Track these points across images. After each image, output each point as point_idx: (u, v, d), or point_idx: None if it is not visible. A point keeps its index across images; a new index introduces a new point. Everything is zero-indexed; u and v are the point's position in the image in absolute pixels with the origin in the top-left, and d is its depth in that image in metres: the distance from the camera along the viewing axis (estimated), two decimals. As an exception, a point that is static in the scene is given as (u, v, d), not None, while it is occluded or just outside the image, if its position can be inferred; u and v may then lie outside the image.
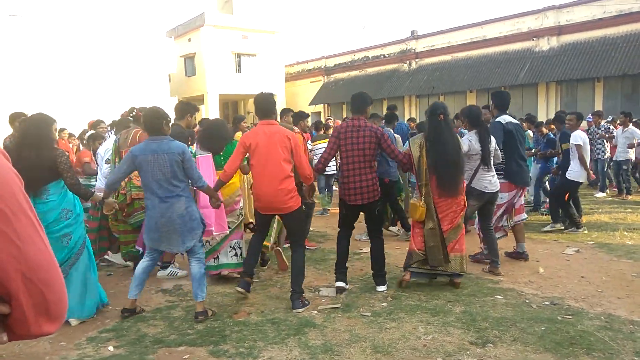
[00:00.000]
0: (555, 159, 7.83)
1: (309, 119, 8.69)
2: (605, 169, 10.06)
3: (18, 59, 18.41)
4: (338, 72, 27.80)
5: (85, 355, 3.38)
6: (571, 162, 6.64)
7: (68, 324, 3.84)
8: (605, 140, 9.92)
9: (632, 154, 9.69)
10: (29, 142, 3.69)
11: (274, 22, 27.20)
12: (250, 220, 6.00)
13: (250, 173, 4.49)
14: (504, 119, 5.27)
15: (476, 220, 5.51)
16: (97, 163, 6.16)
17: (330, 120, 12.07)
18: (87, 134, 7.27)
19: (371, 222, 4.64)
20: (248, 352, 3.32)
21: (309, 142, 8.20)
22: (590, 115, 10.70)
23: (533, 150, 8.17)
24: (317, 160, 4.90)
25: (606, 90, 16.73)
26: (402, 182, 6.88)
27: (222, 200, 4.31)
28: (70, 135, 10.17)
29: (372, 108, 4.90)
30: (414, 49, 23.47)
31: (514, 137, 5.17)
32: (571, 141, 6.64)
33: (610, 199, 9.55)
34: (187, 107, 5.07)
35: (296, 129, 5.83)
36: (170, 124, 4.02)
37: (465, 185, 4.64)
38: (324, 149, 4.70)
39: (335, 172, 8.20)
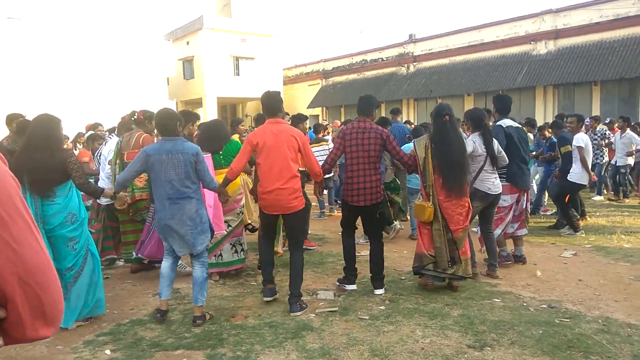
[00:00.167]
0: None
1: (307, 122, 8.69)
2: (603, 173, 10.09)
3: (16, 61, 18.37)
4: (336, 75, 27.86)
5: (81, 359, 3.36)
6: (573, 165, 6.68)
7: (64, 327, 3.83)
8: (602, 145, 9.95)
9: (630, 160, 9.71)
10: (39, 144, 3.67)
11: (273, 25, 27.22)
12: (249, 221, 6.04)
13: (252, 174, 4.52)
14: (505, 122, 5.28)
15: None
16: (98, 163, 6.27)
17: (325, 122, 12.09)
18: (87, 135, 7.29)
19: (372, 225, 4.64)
20: (245, 356, 3.31)
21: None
22: (587, 119, 10.73)
23: (534, 153, 8.20)
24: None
25: (603, 94, 16.79)
26: (398, 183, 6.88)
27: (229, 196, 4.34)
28: (65, 137, 10.15)
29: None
30: (412, 53, 23.54)
31: (514, 141, 5.18)
32: (573, 143, 6.67)
33: (607, 202, 9.58)
34: (190, 115, 5.17)
35: None
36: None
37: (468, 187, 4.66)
38: (317, 153, 4.72)
39: (331, 174, 8.21)
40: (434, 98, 21.07)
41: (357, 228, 4.76)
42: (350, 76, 26.95)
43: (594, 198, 9.75)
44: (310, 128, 12.35)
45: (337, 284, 4.75)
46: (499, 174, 5.00)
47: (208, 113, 24.79)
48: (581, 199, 7.58)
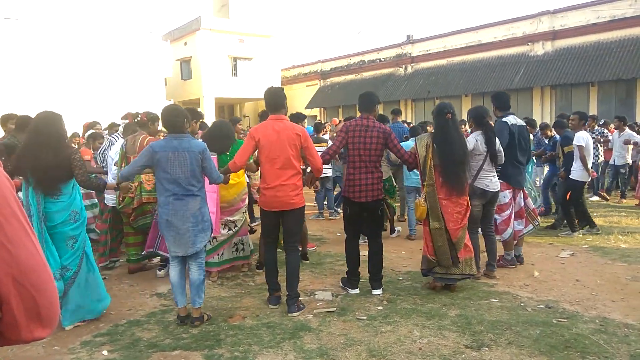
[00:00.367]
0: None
1: (305, 121, 8.70)
2: (599, 173, 10.11)
3: (13, 62, 18.34)
4: (334, 76, 27.86)
5: (79, 360, 3.36)
6: (574, 163, 6.71)
7: (63, 328, 3.82)
8: (599, 145, 9.98)
9: (629, 158, 9.74)
10: (43, 142, 3.65)
11: (270, 26, 27.21)
12: (248, 223, 6.07)
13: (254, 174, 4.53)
14: (509, 120, 5.23)
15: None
16: (97, 162, 6.35)
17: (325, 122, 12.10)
18: (87, 134, 7.29)
19: (372, 223, 4.64)
20: (243, 356, 3.31)
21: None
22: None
23: (535, 153, 8.21)
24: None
25: (600, 95, 16.84)
26: (394, 183, 6.87)
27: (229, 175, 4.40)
28: (75, 134, 10.12)
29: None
30: (410, 53, 23.56)
31: (514, 139, 5.18)
32: (574, 142, 6.70)
33: (604, 202, 9.60)
34: (194, 113, 5.18)
35: None
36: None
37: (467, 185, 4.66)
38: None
39: (330, 174, 8.21)
40: (431, 99, 21.10)
41: (361, 231, 4.75)
42: (348, 77, 26.95)
43: (591, 199, 9.77)
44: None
45: (340, 285, 4.76)
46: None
47: (206, 114, 24.74)
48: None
